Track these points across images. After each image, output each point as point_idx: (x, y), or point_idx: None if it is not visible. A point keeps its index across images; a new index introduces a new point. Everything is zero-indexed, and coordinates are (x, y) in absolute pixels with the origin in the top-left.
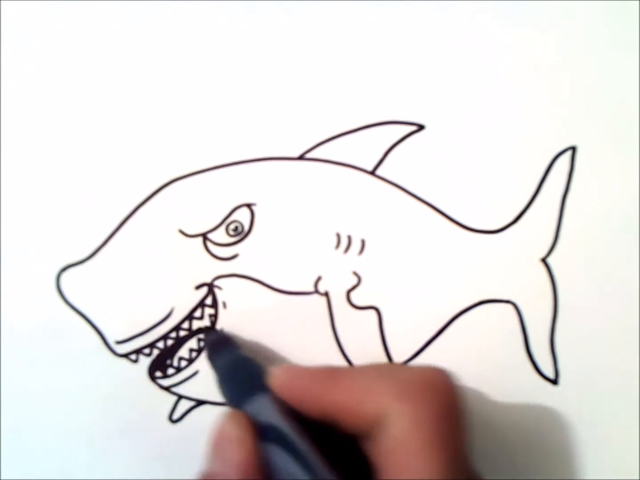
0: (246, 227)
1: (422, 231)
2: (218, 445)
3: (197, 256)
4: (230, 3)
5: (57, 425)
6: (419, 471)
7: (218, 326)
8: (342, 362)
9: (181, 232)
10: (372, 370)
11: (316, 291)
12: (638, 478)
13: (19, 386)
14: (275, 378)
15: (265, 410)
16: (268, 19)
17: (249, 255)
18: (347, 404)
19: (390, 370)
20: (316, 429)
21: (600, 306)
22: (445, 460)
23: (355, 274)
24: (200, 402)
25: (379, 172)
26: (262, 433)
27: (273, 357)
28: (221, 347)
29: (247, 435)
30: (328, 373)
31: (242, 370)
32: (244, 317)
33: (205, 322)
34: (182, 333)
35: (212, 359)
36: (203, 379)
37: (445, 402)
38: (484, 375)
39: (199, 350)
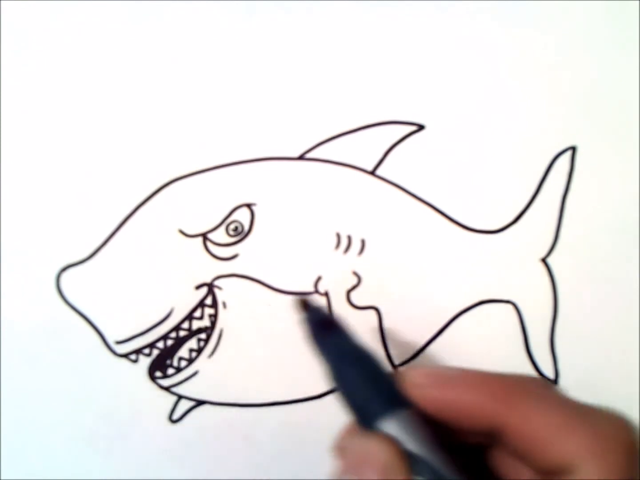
0: (246, 227)
1: (422, 231)
2: (363, 469)
3: (197, 256)
4: (230, 3)
5: (57, 425)
6: None
7: (218, 326)
8: None
9: (181, 232)
10: (561, 408)
11: (316, 291)
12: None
13: (19, 386)
14: (418, 387)
15: (409, 434)
16: (268, 20)
17: (249, 255)
18: (533, 437)
19: (583, 415)
20: (444, 437)
21: (600, 306)
22: None
23: (355, 274)
24: (200, 402)
25: (379, 172)
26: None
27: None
28: (330, 332)
29: (403, 466)
30: (503, 390)
31: (366, 369)
32: (244, 317)
33: (205, 322)
34: (182, 333)
35: (321, 346)
36: (203, 379)
37: (633, 462)
38: None
39: (199, 350)
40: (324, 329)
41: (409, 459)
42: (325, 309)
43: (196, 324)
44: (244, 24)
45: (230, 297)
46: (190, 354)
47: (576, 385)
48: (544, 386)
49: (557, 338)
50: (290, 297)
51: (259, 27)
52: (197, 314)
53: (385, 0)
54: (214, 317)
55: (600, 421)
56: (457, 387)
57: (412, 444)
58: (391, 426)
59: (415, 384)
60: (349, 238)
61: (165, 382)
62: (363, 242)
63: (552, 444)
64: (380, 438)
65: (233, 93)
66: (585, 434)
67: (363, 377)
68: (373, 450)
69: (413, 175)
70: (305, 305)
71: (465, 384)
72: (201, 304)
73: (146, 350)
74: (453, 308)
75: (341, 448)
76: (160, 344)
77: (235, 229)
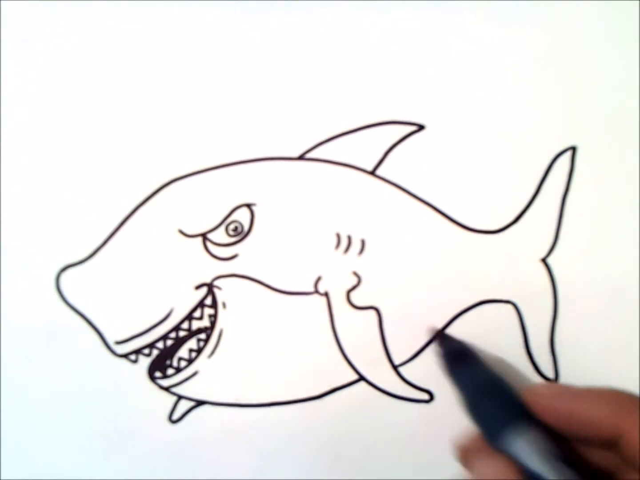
0: (246, 227)
1: (422, 231)
2: None
3: (197, 256)
4: (231, 3)
5: (56, 425)
6: None
7: (218, 326)
8: (342, 362)
9: (181, 232)
10: None
11: (316, 291)
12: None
13: (19, 386)
14: (542, 400)
15: (530, 451)
16: (268, 20)
17: (249, 255)
18: None
19: None
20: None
21: (600, 306)
22: None
23: (355, 274)
24: (200, 402)
25: (379, 172)
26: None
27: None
28: (463, 362)
29: None
30: (617, 398)
31: (496, 396)
32: (244, 317)
33: (205, 323)
34: (181, 333)
35: (454, 376)
36: (203, 379)
37: None
38: None
39: (199, 351)
40: (459, 360)
41: (533, 477)
42: (462, 341)
43: (196, 324)
44: (244, 24)
45: (230, 297)
46: (190, 354)
47: (576, 385)
48: None
49: (557, 338)
50: (290, 297)
51: (259, 27)
52: (197, 314)
53: (385, 0)
54: (213, 317)
55: None
56: (580, 400)
57: (534, 462)
58: (515, 444)
59: (540, 395)
60: (349, 238)
61: (165, 382)
62: (363, 242)
63: None
64: (504, 461)
65: (233, 93)
66: None
67: (493, 402)
68: (497, 472)
69: (413, 175)
70: (443, 337)
71: (585, 397)
72: (201, 304)
73: (146, 351)
74: (453, 308)
75: (466, 459)
76: (160, 344)
77: (235, 229)
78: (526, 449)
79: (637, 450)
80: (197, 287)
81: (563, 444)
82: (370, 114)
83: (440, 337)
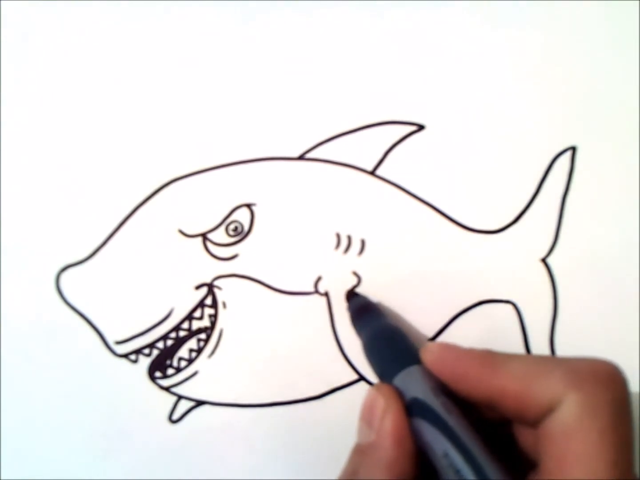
0: (246, 227)
1: (422, 231)
2: (367, 417)
3: (197, 256)
4: (231, 4)
5: (56, 426)
6: (589, 457)
7: (218, 326)
8: (342, 362)
9: (181, 232)
10: (539, 358)
11: (316, 291)
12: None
13: (19, 386)
14: (430, 354)
15: (415, 384)
16: (268, 20)
17: (249, 255)
18: (515, 389)
19: (561, 360)
20: (464, 409)
21: (600, 306)
22: (616, 450)
23: (355, 274)
24: (200, 402)
25: (379, 172)
26: (411, 406)
27: (272, 355)
28: (366, 314)
29: (395, 404)
30: (490, 356)
31: (391, 341)
32: (244, 317)
33: (205, 323)
34: (181, 333)
35: (357, 326)
36: (203, 379)
37: (618, 394)
38: None
39: (199, 351)
40: (363, 311)
41: (412, 404)
42: (367, 297)
43: (196, 324)
44: (244, 25)
45: (230, 297)
46: (190, 354)
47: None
48: (547, 355)
49: (557, 338)
50: (290, 297)
51: (259, 27)
52: (197, 314)
53: (385, 0)
54: (213, 317)
55: (577, 362)
56: (458, 356)
57: (416, 391)
58: (400, 379)
59: (428, 350)
60: (349, 238)
61: (165, 382)
62: (363, 242)
63: (534, 389)
64: (379, 385)
65: (233, 93)
66: (564, 372)
67: (388, 348)
68: (373, 396)
69: (413, 175)
70: (352, 294)
71: (465, 355)
72: (201, 304)
73: (146, 351)
74: (453, 308)
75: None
76: (160, 344)
77: (235, 229)
78: (410, 380)
79: (513, 399)
80: (197, 287)
81: (464, 406)
82: (370, 114)
83: (349, 294)
